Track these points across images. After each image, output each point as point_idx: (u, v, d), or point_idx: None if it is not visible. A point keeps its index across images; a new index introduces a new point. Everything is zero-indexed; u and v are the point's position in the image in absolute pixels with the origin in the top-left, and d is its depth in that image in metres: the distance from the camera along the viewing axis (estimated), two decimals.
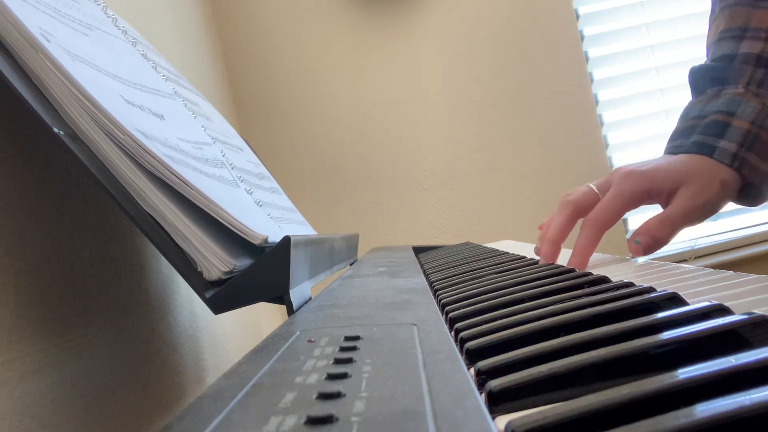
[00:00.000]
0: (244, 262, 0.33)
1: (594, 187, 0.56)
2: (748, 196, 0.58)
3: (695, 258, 1.40)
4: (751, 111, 0.56)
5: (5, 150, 0.32)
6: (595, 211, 0.53)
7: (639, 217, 1.37)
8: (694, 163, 0.55)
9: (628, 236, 1.39)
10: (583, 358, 0.20)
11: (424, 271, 0.58)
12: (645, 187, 0.53)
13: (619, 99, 1.49)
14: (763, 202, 0.59)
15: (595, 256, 0.57)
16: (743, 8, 0.61)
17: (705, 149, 0.56)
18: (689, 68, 0.65)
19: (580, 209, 0.56)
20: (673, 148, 0.59)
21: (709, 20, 0.67)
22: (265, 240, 0.33)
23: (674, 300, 0.27)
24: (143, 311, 0.45)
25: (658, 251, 0.55)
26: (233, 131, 0.68)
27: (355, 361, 0.21)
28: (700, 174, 0.54)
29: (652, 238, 0.52)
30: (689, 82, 0.65)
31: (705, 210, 0.53)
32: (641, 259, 0.52)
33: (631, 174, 0.53)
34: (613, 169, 0.58)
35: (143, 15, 0.77)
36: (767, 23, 0.59)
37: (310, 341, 0.25)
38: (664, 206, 0.55)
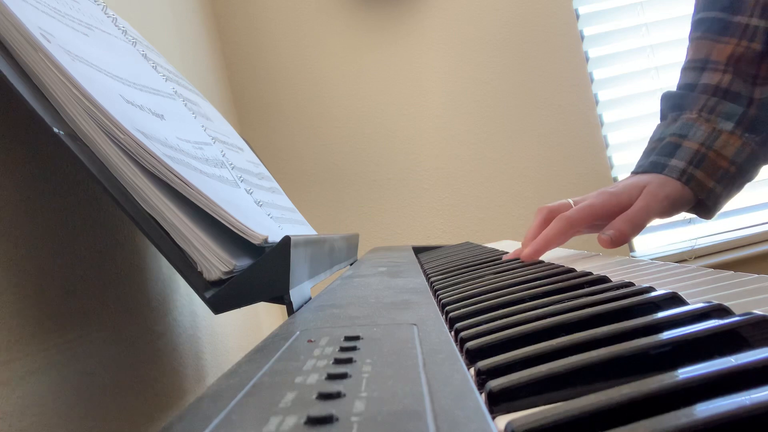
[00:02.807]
0: (244, 262, 0.33)
1: (571, 201, 0.63)
2: (700, 209, 0.64)
3: (695, 258, 1.40)
4: (702, 134, 0.63)
5: (5, 150, 0.32)
6: (570, 211, 0.59)
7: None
8: (651, 177, 0.62)
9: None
10: (583, 358, 0.20)
11: (424, 271, 0.58)
12: (614, 201, 0.60)
13: (619, 99, 1.49)
14: (714, 215, 0.65)
15: (595, 256, 0.57)
16: (707, 41, 0.67)
17: (657, 167, 0.63)
18: (661, 93, 0.71)
19: (554, 213, 0.61)
20: (636, 168, 0.66)
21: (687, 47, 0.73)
22: (265, 240, 0.33)
23: (674, 300, 0.27)
24: (143, 311, 0.45)
25: (658, 251, 0.57)
26: (233, 131, 0.68)
27: (355, 361, 0.21)
28: (656, 179, 0.61)
29: (618, 231, 0.57)
30: (660, 106, 0.71)
31: (667, 202, 0.60)
32: (642, 259, 0.53)
33: (603, 192, 0.61)
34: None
35: (143, 15, 0.77)
36: (725, 56, 0.65)
37: (310, 341, 0.25)
38: None
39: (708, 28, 0.67)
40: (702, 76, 0.66)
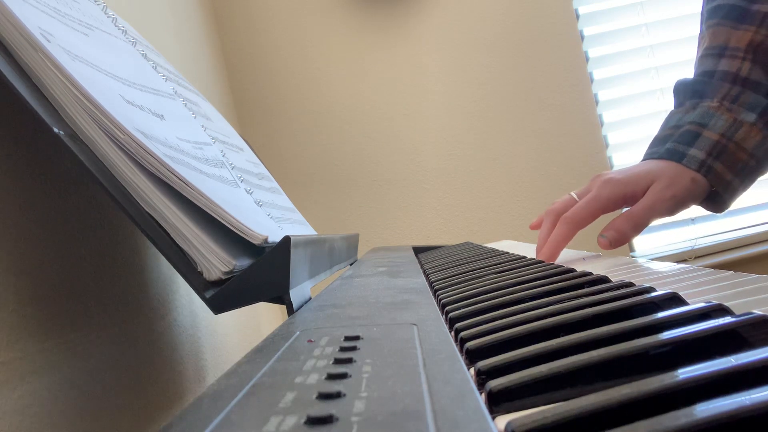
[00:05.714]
0: (244, 262, 0.33)
1: (574, 195, 0.61)
2: (713, 202, 0.62)
3: (695, 258, 1.40)
4: (722, 124, 0.61)
5: (5, 150, 0.32)
6: (572, 210, 0.57)
7: None
8: (666, 166, 0.59)
9: None
10: (583, 358, 0.20)
11: (424, 271, 0.58)
12: (620, 192, 0.57)
13: (619, 99, 1.49)
14: (726, 209, 0.63)
15: (595, 256, 0.57)
16: (725, 28, 0.65)
17: (676, 156, 0.60)
18: (675, 81, 0.69)
19: (561, 215, 0.59)
20: (649, 155, 0.63)
21: (698, 39, 0.71)
22: (265, 240, 0.33)
23: (674, 300, 0.27)
24: (143, 311, 0.45)
25: (658, 251, 0.57)
26: (233, 131, 0.68)
27: (355, 361, 0.21)
28: (670, 171, 0.58)
29: (618, 232, 0.56)
30: (673, 93, 0.69)
31: (673, 203, 0.57)
32: (642, 259, 0.53)
33: (609, 181, 0.58)
34: (594, 175, 0.62)
35: (143, 15, 0.77)
36: (745, 44, 0.63)
37: (310, 341, 0.25)
38: None
39: (725, 14, 0.65)
40: (720, 63, 0.64)
